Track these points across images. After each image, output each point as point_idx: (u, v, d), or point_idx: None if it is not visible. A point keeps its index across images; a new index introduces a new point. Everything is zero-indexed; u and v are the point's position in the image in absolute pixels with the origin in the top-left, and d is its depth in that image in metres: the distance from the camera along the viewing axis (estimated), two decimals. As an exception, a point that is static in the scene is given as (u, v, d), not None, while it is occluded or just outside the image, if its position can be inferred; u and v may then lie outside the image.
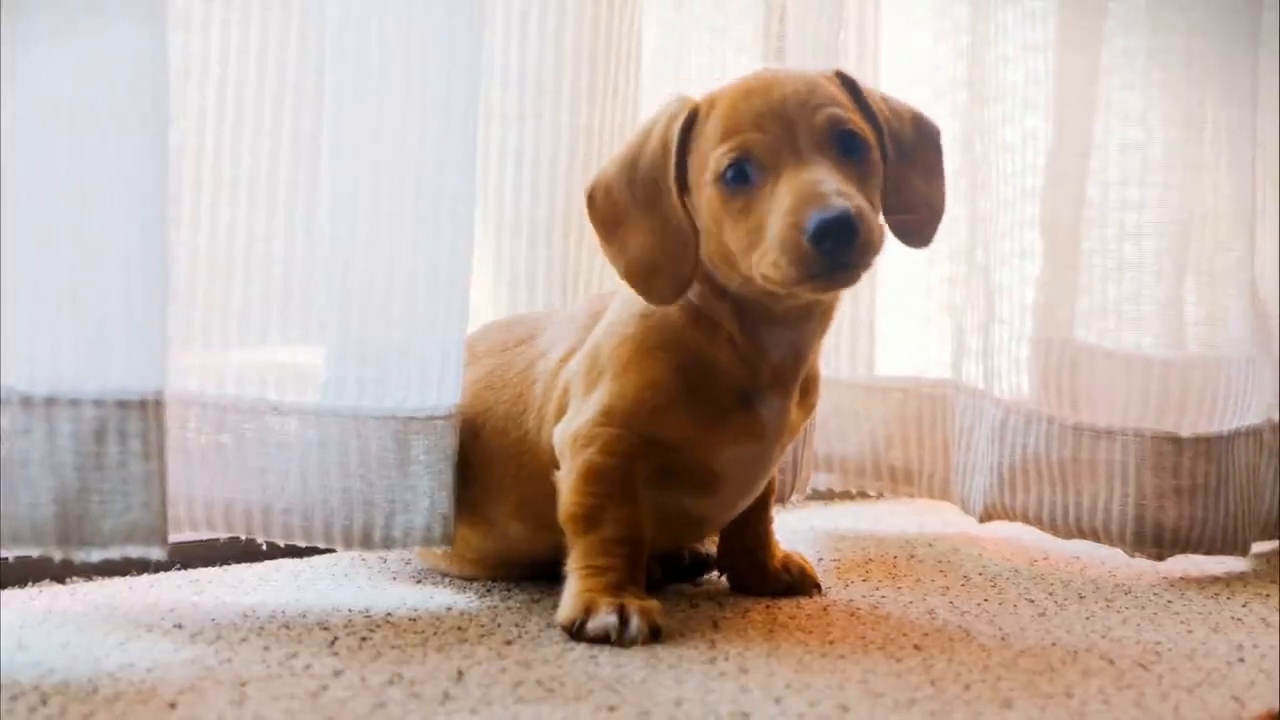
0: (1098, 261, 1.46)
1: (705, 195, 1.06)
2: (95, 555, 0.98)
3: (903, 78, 1.60)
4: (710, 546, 1.30)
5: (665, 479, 1.12)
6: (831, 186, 1.00)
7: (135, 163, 0.99)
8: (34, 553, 0.98)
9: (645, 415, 1.09)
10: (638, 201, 1.09)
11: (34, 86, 0.96)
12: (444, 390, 1.15)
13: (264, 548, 1.24)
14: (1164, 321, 1.45)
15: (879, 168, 1.08)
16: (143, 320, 1.00)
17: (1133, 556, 1.41)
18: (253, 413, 1.14)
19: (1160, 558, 1.40)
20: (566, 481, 1.10)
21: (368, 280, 1.14)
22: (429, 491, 1.15)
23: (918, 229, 1.14)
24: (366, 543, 1.15)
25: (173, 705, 0.87)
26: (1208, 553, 1.40)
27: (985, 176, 1.50)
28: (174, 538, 1.24)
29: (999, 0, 1.48)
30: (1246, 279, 1.46)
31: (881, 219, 1.08)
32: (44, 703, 0.86)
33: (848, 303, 1.60)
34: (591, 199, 1.11)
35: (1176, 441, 1.39)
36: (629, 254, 1.09)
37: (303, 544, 1.16)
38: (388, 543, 1.15)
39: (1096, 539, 1.41)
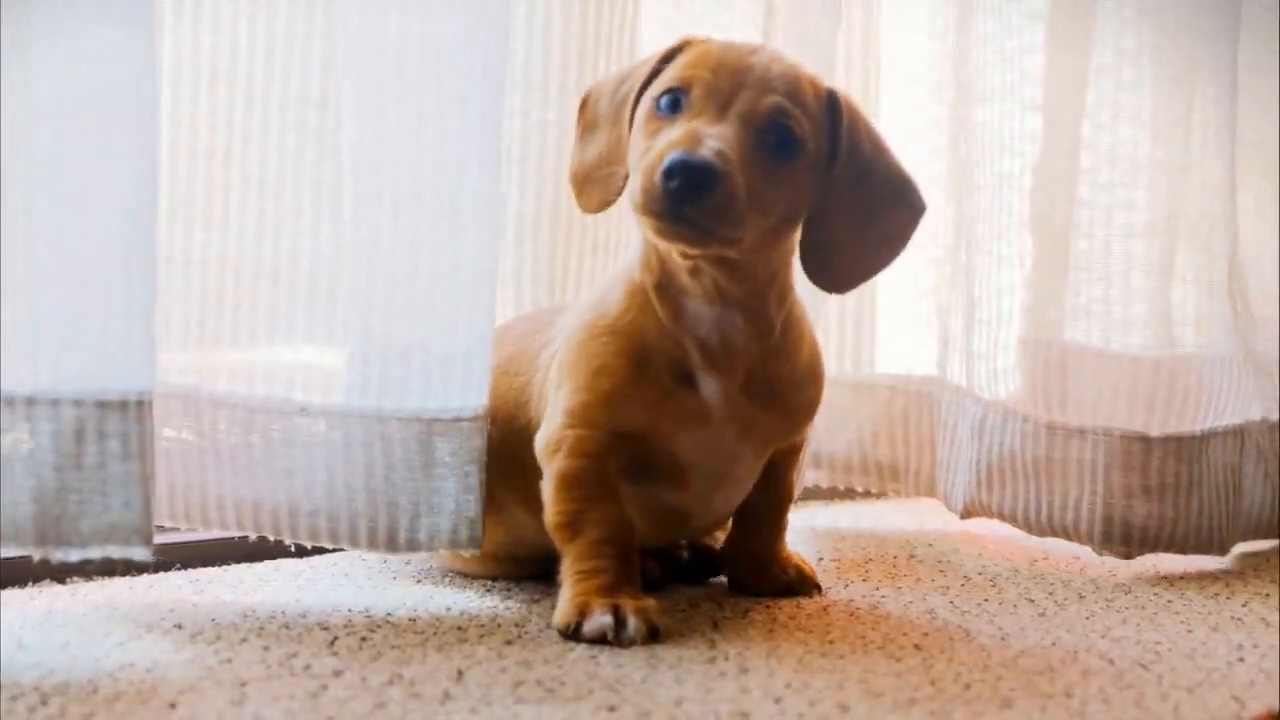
0: (1081, 262, 1.45)
1: (641, 112, 1.08)
2: (74, 555, 0.98)
3: (902, 77, 1.60)
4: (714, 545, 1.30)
5: (638, 473, 1.12)
6: (713, 142, 1.01)
7: (122, 163, 0.99)
8: (12, 552, 0.99)
9: (602, 406, 1.09)
10: (608, 114, 1.13)
11: (22, 86, 0.96)
12: (469, 391, 1.15)
13: (275, 545, 1.24)
14: (1143, 322, 1.44)
15: (803, 182, 1.07)
16: (124, 321, 0.99)
17: (1101, 555, 1.41)
18: (281, 413, 1.14)
19: (1128, 556, 1.40)
20: (547, 491, 1.11)
21: (391, 278, 1.14)
22: (454, 494, 1.15)
23: (839, 276, 1.13)
24: (392, 545, 1.15)
25: (173, 705, 0.87)
26: (1180, 552, 1.40)
27: (973, 179, 1.49)
28: (177, 538, 1.26)
29: (990, 1, 1.47)
30: (1224, 279, 1.46)
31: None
32: (44, 703, 0.86)
33: (843, 300, 1.59)
34: (584, 103, 1.16)
35: (1145, 441, 1.39)
36: (582, 158, 1.14)
37: (329, 545, 1.16)
38: (413, 545, 1.15)
39: (1067, 537, 1.42)
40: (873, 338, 1.63)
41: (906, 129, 1.59)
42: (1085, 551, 1.46)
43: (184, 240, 1.15)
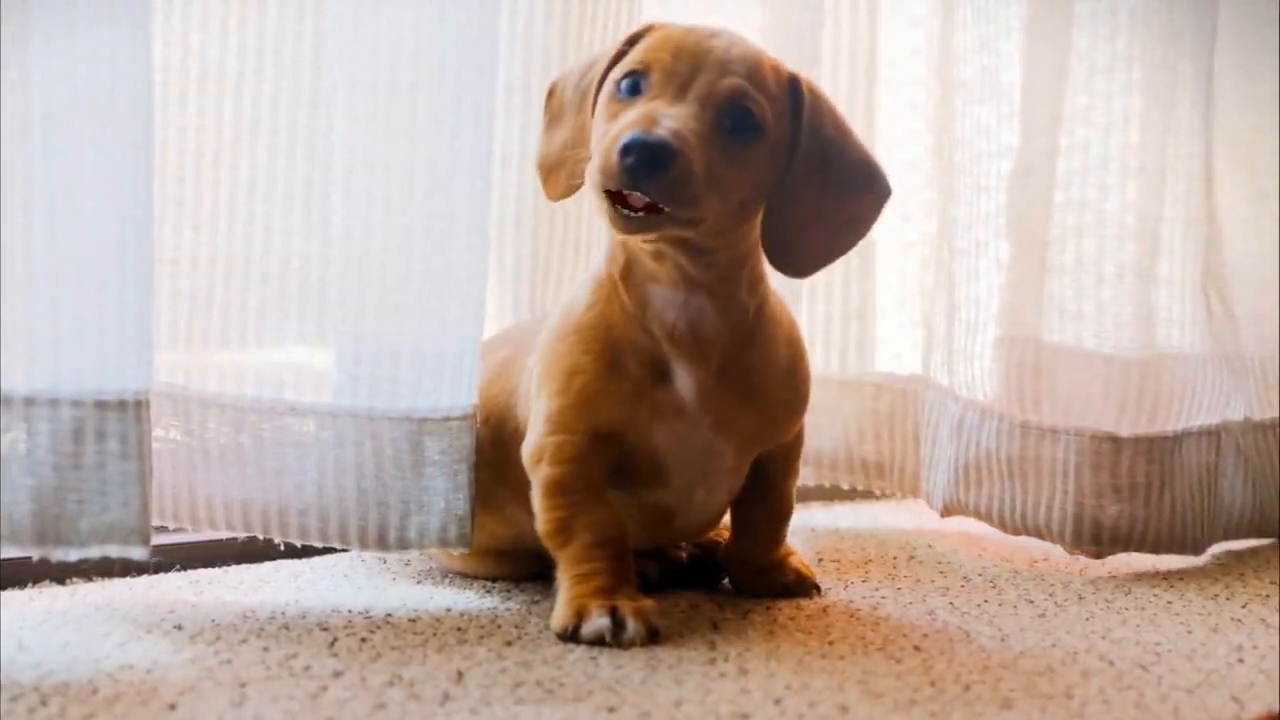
0: (1056, 263, 1.45)
1: (602, 96, 1.08)
2: (72, 555, 0.98)
3: (903, 76, 1.60)
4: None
5: (620, 474, 1.12)
6: (669, 121, 1.01)
7: (119, 163, 0.99)
8: (11, 552, 0.99)
9: (578, 407, 1.09)
10: (572, 102, 1.13)
11: (20, 86, 0.96)
12: (458, 390, 1.15)
13: (275, 546, 1.24)
14: (1117, 322, 1.44)
15: (764, 165, 1.07)
16: (122, 321, 0.99)
17: (1071, 554, 1.42)
18: (271, 413, 1.14)
19: (1099, 555, 1.40)
20: (535, 499, 1.11)
21: (381, 279, 1.14)
22: (444, 493, 1.15)
23: (800, 259, 1.12)
24: (382, 544, 1.15)
25: (173, 706, 0.87)
26: (1153, 551, 1.40)
27: (968, 180, 1.49)
28: (177, 538, 1.26)
29: (982, 5, 1.47)
30: (1198, 280, 1.46)
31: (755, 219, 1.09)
32: (44, 703, 0.86)
33: (828, 299, 1.59)
34: (550, 92, 1.16)
35: (1115, 441, 1.39)
36: (547, 147, 1.14)
37: (319, 544, 1.17)
38: (403, 544, 1.15)
39: (1040, 536, 1.42)
40: (865, 337, 1.62)
41: (906, 130, 1.59)
42: (1082, 552, 1.47)
43: (173, 240, 1.15)
